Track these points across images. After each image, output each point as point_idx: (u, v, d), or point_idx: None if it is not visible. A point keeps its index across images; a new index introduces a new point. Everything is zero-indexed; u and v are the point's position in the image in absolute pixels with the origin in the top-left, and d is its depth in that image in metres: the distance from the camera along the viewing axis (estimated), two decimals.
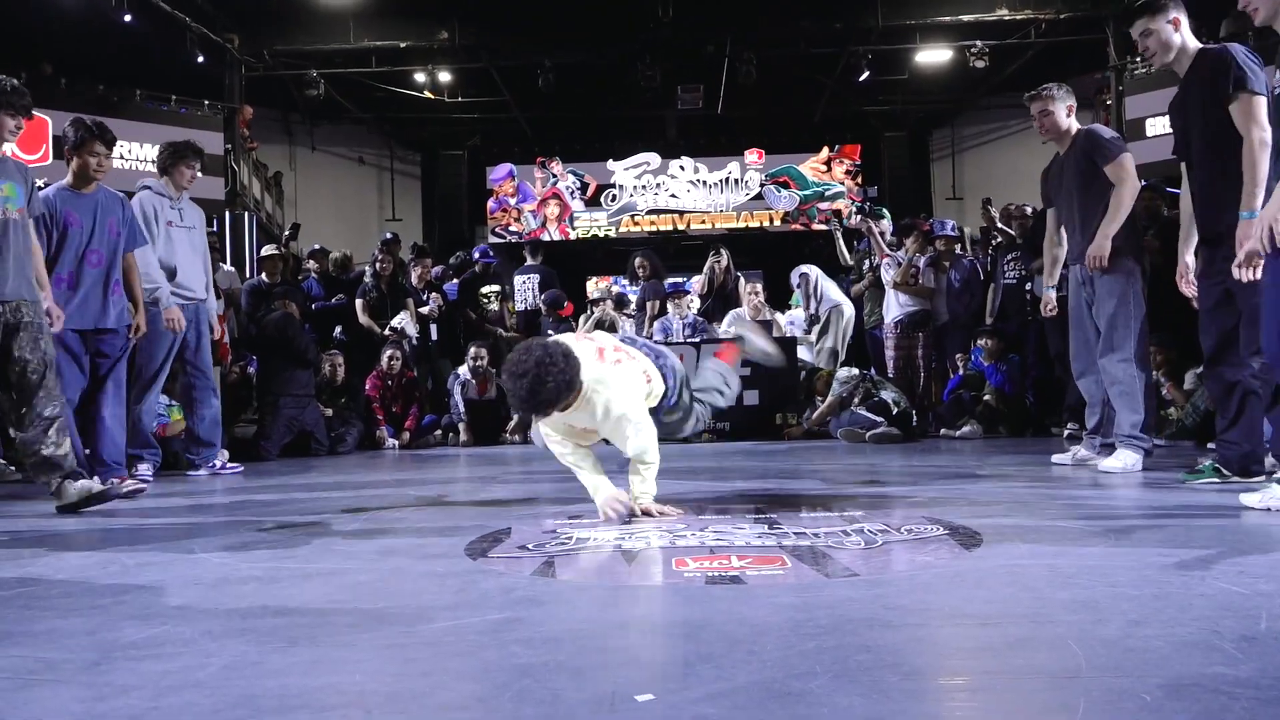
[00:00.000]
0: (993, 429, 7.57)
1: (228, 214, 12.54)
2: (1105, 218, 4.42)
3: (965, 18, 12.76)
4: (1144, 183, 5.73)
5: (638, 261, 9.84)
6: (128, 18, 10.95)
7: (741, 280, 9.66)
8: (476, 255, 10.19)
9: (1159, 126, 11.28)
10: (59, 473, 3.96)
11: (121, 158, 11.66)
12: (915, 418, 7.52)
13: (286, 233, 10.64)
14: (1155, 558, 2.35)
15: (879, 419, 7.18)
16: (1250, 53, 3.59)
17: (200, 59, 12.29)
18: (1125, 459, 4.37)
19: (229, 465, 5.98)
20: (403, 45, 13.22)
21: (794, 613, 1.85)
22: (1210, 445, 5.49)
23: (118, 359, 5.00)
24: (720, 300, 9.24)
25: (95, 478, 4.15)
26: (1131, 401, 4.44)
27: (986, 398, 7.62)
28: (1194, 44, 3.84)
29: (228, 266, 9.06)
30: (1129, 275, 4.48)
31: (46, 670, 1.61)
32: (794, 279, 9.32)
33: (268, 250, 9.28)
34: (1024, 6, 12.56)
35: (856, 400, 7.45)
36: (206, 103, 12.82)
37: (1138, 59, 12.16)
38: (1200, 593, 1.95)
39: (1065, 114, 4.68)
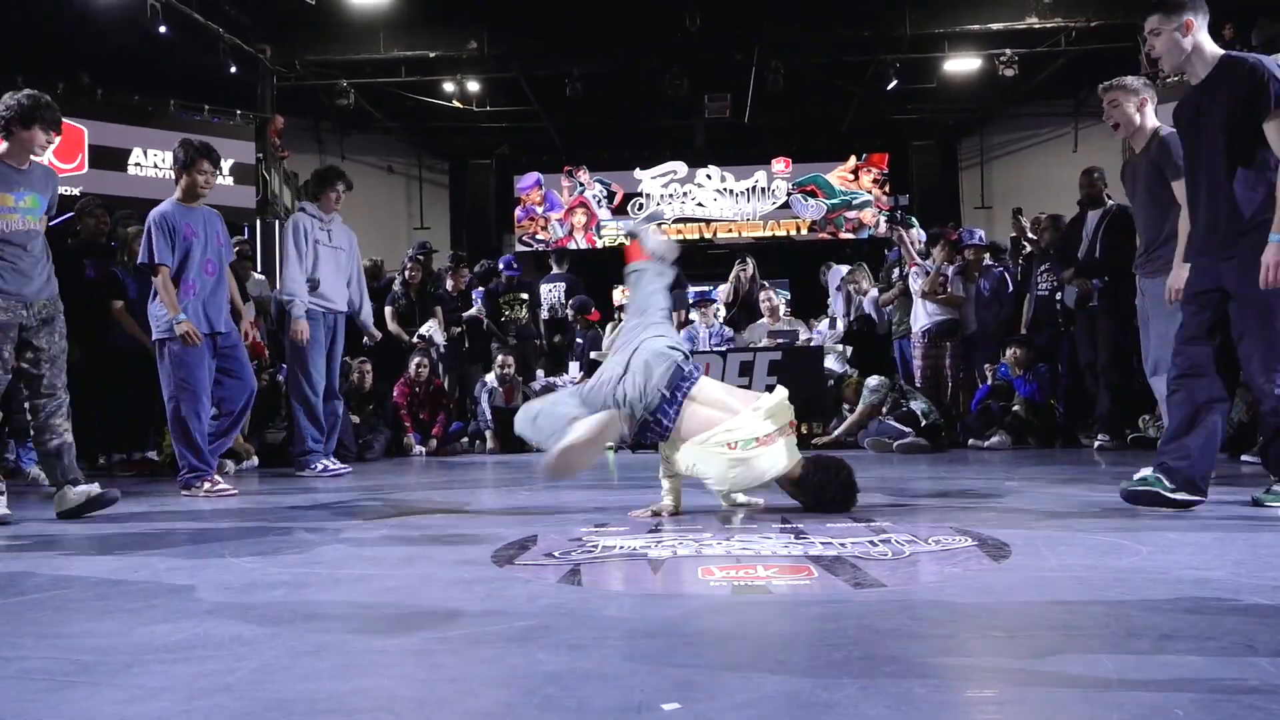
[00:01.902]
0: (1021, 440, 7.50)
1: (259, 222, 12.69)
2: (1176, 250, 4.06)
3: (995, 26, 12.67)
4: None
5: None
6: (162, 29, 11.10)
7: (766, 288, 9.65)
8: (501, 267, 10.26)
9: None
10: (60, 470, 4.08)
11: (155, 166, 11.84)
12: (944, 428, 7.46)
13: None
14: (1188, 570, 2.32)
15: (907, 429, 7.14)
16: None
17: (233, 69, 12.44)
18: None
19: (331, 467, 6.25)
20: (432, 55, 13.31)
21: (821, 622, 1.85)
22: (1246, 458, 5.42)
23: (243, 356, 5.46)
24: (746, 309, 9.22)
25: (95, 484, 4.25)
26: None
27: (1015, 408, 7.55)
28: (1213, 49, 3.55)
29: (258, 275, 9.15)
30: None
31: (81, 672, 1.63)
32: (833, 279, 9.27)
33: None
34: (1054, 15, 12.45)
35: (885, 410, 7.41)
36: (239, 112, 12.98)
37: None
38: (1234, 606, 1.92)
39: (1136, 108, 4.37)
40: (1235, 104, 3.38)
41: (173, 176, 5.37)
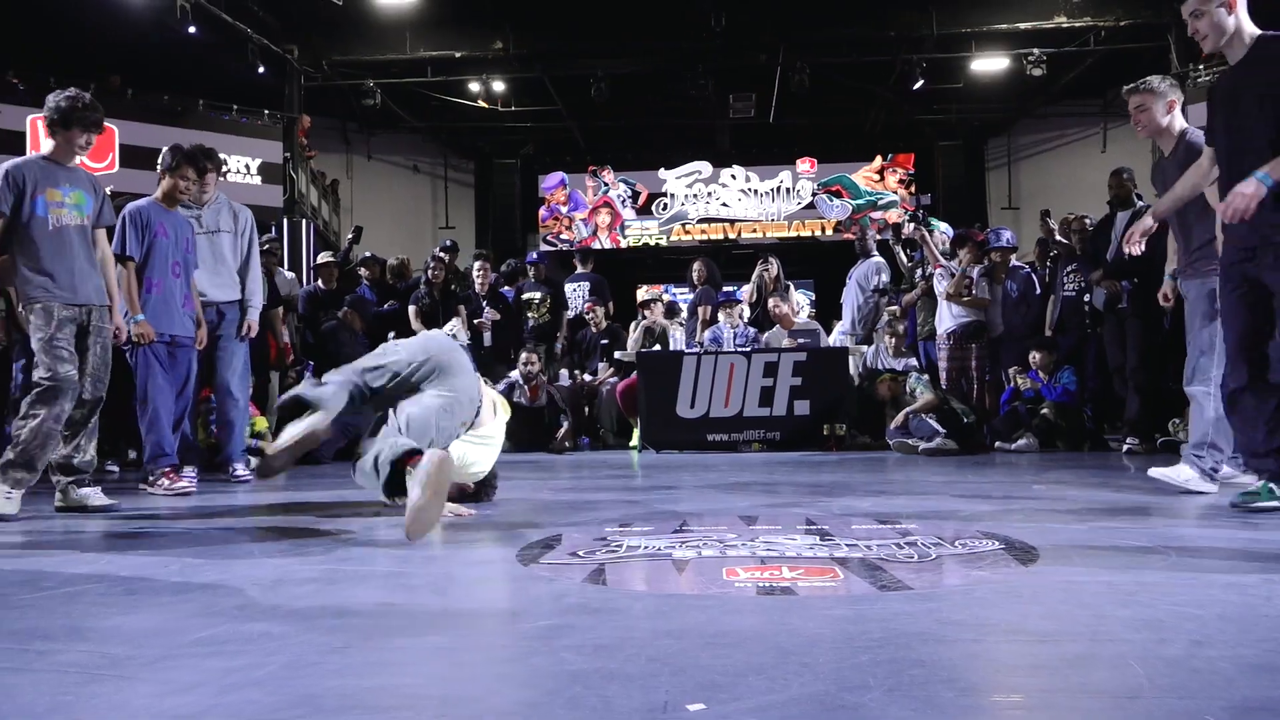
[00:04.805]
0: (1049, 443, 7.43)
1: (285, 221, 12.80)
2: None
3: (1022, 25, 12.59)
4: None
5: (695, 266, 9.88)
6: (192, 30, 11.22)
7: (790, 289, 9.60)
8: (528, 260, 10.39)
9: None
10: (74, 475, 4.16)
11: None
12: (976, 431, 7.38)
13: (349, 237, 10.76)
14: (1219, 576, 2.29)
15: (942, 429, 7.09)
16: None
17: (261, 70, 12.56)
18: (1180, 473, 4.20)
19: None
20: (458, 55, 13.38)
21: (846, 625, 1.84)
22: None
23: (189, 366, 5.28)
24: (768, 310, 9.17)
25: (98, 488, 4.29)
26: (1199, 425, 4.17)
27: (1044, 411, 7.48)
28: (1251, 29, 3.55)
29: (287, 273, 9.21)
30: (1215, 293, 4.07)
31: (113, 666, 1.65)
32: (860, 277, 9.22)
33: (324, 257, 9.42)
34: (1083, 14, 12.35)
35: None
36: (266, 112, 13.10)
37: (1200, 66, 11.94)
38: (1265, 613, 1.90)
39: (1164, 111, 4.29)
40: (1275, 80, 3.37)
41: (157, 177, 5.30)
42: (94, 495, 4.19)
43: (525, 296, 9.71)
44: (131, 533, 3.55)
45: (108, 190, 4.67)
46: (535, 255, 10.58)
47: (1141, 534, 3.04)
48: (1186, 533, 3.14)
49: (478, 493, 4.14)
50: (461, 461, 3.85)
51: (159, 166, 5.29)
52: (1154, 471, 4.24)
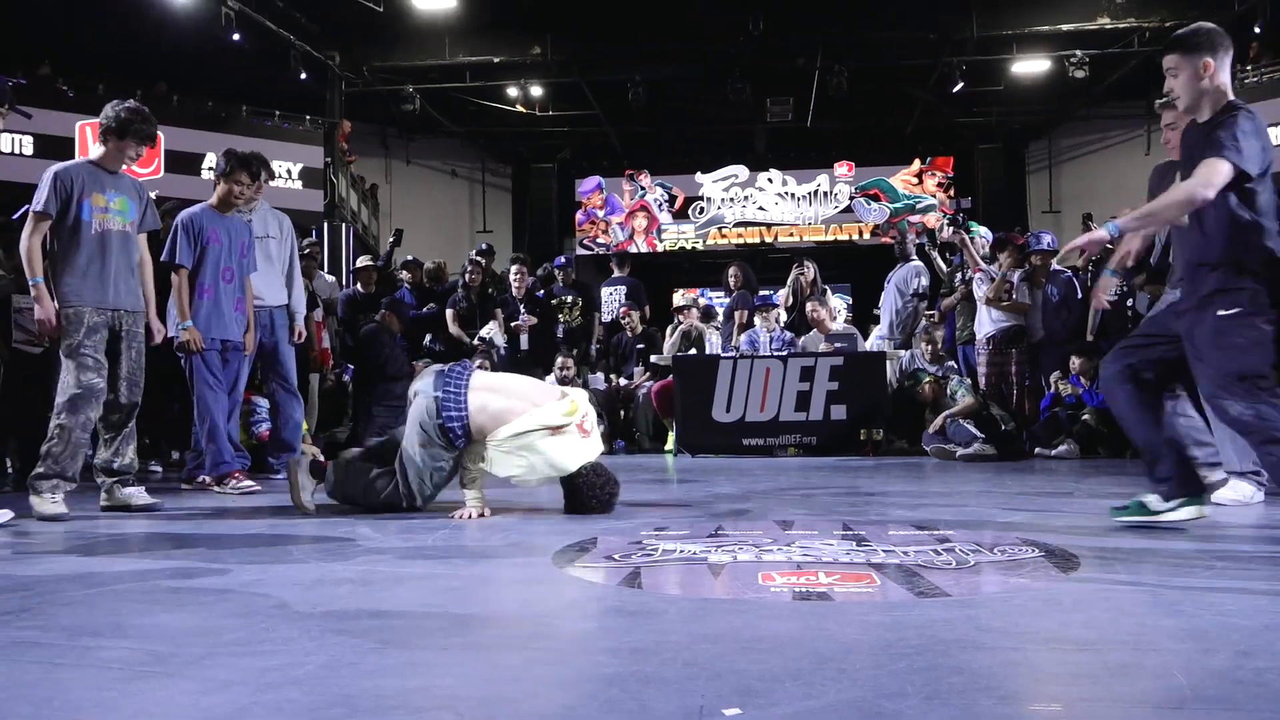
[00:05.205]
0: (1090, 449, 7.33)
1: (325, 225, 12.95)
2: None
3: (1064, 27, 12.44)
4: None
5: (730, 271, 9.85)
6: (236, 37, 11.40)
7: (827, 294, 9.55)
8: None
9: (1273, 136, 10.84)
10: (116, 477, 4.27)
11: None
12: (1016, 438, 7.29)
13: (390, 239, 10.84)
14: (1266, 586, 2.25)
15: (980, 434, 7.01)
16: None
17: (303, 76, 12.73)
18: (1241, 491, 4.14)
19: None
20: (496, 61, 13.47)
21: (883, 631, 1.83)
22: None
23: (238, 369, 5.39)
24: (805, 314, 9.12)
25: (142, 487, 4.39)
26: (1228, 439, 4.13)
27: (1085, 417, 7.38)
28: (1226, 94, 3.39)
29: (328, 276, 9.31)
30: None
31: (155, 663, 1.68)
32: (900, 281, 9.16)
33: (363, 261, 9.51)
34: (1126, 15, 12.18)
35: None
36: (308, 118, 13.27)
37: (1248, 66, 11.72)
38: None
39: None
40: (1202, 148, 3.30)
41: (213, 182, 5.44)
42: (138, 495, 4.28)
43: (555, 300, 9.75)
44: (174, 532, 3.60)
45: (153, 195, 4.77)
46: (564, 259, 10.61)
47: (1186, 543, 2.99)
48: (1232, 542, 3.08)
49: (578, 503, 3.87)
50: (509, 477, 3.82)
51: (214, 172, 5.41)
52: (1219, 497, 4.14)
